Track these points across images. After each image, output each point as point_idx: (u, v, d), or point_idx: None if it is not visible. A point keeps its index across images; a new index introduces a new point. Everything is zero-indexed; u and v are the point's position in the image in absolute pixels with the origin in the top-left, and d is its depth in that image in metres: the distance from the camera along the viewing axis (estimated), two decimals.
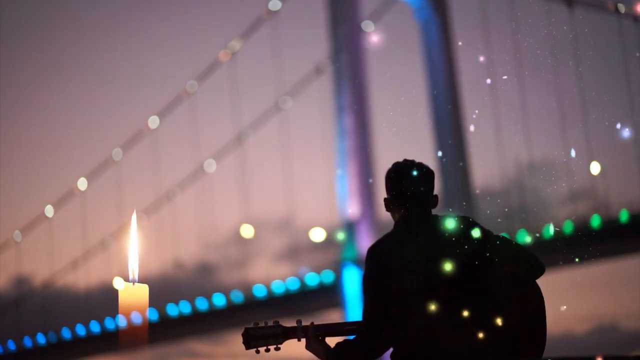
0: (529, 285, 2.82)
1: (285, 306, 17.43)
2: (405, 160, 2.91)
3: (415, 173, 2.88)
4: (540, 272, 2.85)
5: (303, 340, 2.99)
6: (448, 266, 2.76)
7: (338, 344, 2.90)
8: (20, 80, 26.33)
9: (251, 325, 3.01)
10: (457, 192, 16.34)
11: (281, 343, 3.00)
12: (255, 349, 3.00)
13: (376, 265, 2.79)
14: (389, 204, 2.92)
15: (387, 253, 2.80)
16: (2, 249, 21.32)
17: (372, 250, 2.83)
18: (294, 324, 3.00)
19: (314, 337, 2.97)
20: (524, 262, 2.85)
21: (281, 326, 3.00)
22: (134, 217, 2.49)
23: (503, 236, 2.88)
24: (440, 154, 16.89)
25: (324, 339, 2.99)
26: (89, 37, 26.32)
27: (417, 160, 2.93)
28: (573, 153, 14.71)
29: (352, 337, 2.92)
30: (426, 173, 2.89)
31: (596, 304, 17.46)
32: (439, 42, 17.09)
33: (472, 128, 17.05)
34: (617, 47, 15.86)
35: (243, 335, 2.99)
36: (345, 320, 3.14)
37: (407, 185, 2.87)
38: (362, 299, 2.83)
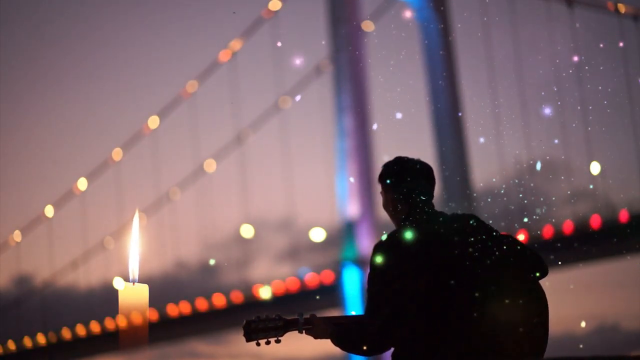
0: (533, 285, 2.82)
1: (285, 306, 17.41)
2: (404, 157, 2.92)
3: (418, 167, 2.89)
4: (543, 274, 2.85)
5: (304, 334, 3.01)
6: (454, 262, 2.75)
7: (341, 326, 2.91)
8: (20, 80, 26.32)
9: (252, 318, 3.02)
10: (457, 192, 16.33)
11: (282, 335, 3.01)
12: (255, 342, 3.00)
13: (384, 256, 2.78)
14: (393, 200, 2.91)
15: (395, 245, 2.79)
16: (2, 249, 21.31)
17: (379, 243, 2.82)
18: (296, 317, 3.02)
19: (318, 319, 2.98)
20: (529, 262, 2.85)
21: (282, 318, 3.01)
22: (136, 216, 2.48)
23: (509, 235, 2.89)
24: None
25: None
26: (88, 38, 26.31)
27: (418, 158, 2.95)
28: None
29: None
30: (427, 167, 2.91)
31: (596, 304, 17.45)
32: (439, 42, 17.08)
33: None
34: (617, 47, 15.84)
35: (244, 327, 3.00)
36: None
37: (413, 179, 2.87)
38: (367, 291, 2.83)
